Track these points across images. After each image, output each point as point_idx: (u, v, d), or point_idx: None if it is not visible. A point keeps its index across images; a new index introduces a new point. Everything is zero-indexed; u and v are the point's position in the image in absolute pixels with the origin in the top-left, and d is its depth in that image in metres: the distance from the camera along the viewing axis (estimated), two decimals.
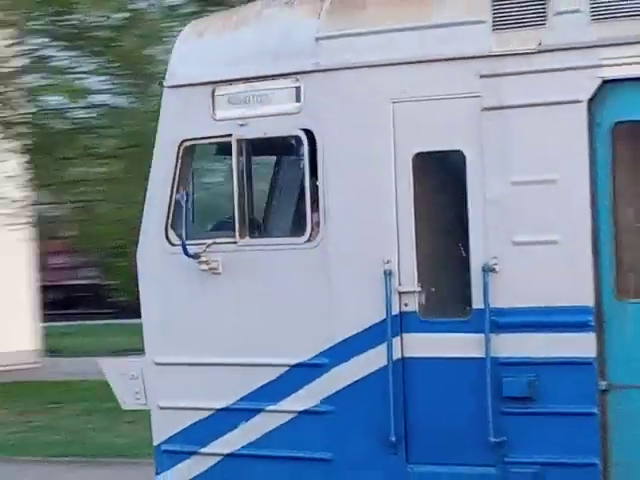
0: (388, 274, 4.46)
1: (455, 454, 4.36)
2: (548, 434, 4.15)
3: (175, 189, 5.28)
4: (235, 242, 4.97)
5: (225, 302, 5.12)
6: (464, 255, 4.37)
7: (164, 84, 5.47)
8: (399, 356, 4.50)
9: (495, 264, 4.18)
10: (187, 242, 5.05)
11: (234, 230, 4.99)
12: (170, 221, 5.25)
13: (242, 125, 4.89)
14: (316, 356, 4.73)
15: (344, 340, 4.64)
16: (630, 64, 3.88)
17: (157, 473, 5.54)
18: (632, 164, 4.12)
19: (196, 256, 5.04)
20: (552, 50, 4.07)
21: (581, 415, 4.04)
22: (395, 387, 4.51)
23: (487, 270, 4.18)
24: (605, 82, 3.97)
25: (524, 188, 4.14)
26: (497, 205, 4.21)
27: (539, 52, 4.08)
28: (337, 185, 4.67)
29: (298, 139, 4.77)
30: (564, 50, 4.05)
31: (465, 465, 4.33)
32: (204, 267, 4.98)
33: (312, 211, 4.78)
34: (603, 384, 4.01)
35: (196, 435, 5.21)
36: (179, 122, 5.29)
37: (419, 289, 4.45)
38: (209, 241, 5.08)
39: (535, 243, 4.13)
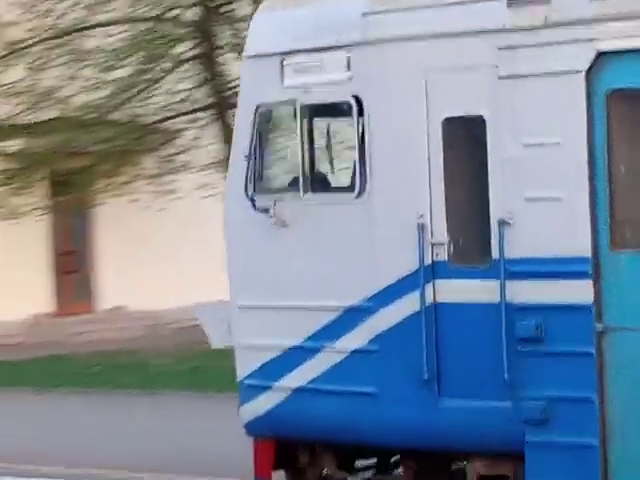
0: (421, 227, 6.34)
1: (478, 390, 6.15)
2: (553, 372, 5.88)
3: (253, 150, 7.29)
4: (300, 197, 7.08)
5: (292, 252, 7.26)
6: (485, 210, 6.10)
7: (243, 54, 7.48)
8: (431, 301, 6.38)
9: (510, 218, 5.91)
10: (260, 198, 7.11)
11: (299, 186, 7.11)
12: (247, 179, 7.29)
13: (305, 92, 6.96)
14: (365, 300, 6.70)
15: (387, 286, 6.61)
16: (622, 37, 5.39)
17: (240, 405, 7.79)
18: (624, 128, 5.57)
19: (265, 210, 7.02)
20: (556, 25, 5.66)
21: (580, 355, 5.70)
22: (427, 329, 6.45)
23: (503, 224, 5.92)
24: (600, 54, 5.51)
25: (533, 149, 5.82)
26: (511, 165, 5.91)
27: (545, 27, 5.70)
28: (380, 146, 6.63)
29: (349, 105, 6.70)
30: (566, 25, 5.63)
31: (486, 399, 6.09)
32: (274, 220, 7.07)
33: (361, 169, 6.75)
34: (599, 327, 5.60)
35: (271, 371, 7.41)
36: (255, 89, 7.54)
37: (448, 240, 6.30)
38: (278, 196, 7.09)
39: (542, 199, 5.80)
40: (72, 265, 28.34)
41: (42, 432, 14.41)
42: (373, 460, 7.96)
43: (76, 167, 24.53)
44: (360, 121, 6.63)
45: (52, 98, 23.83)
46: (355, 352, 6.75)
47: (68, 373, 20.91)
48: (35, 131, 24.99)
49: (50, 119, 24.25)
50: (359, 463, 8.00)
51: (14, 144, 25.62)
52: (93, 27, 23.63)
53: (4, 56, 24.20)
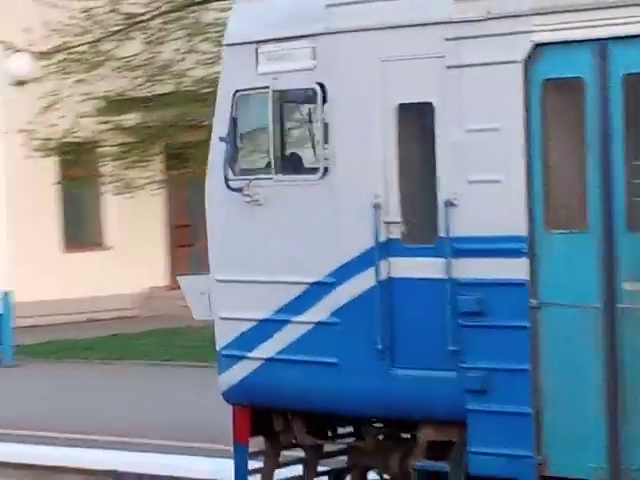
0: (377, 207, 6.77)
1: (426, 360, 6.58)
2: (492, 344, 6.29)
3: (229, 134, 7.77)
4: (271, 178, 7.55)
5: (264, 230, 7.75)
6: (434, 192, 6.51)
7: (223, 42, 7.96)
8: (385, 277, 6.82)
9: (455, 199, 6.33)
10: (235, 178, 7.62)
11: (270, 168, 7.59)
12: (225, 161, 7.80)
13: (275, 79, 7.41)
14: (327, 276, 7.17)
15: (346, 262, 7.06)
16: (556, 30, 5.77)
17: (219, 374, 8.30)
18: (558, 115, 5.97)
19: (240, 190, 7.50)
20: (496, 18, 6.05)
21: (516, 328, 6.10)
22: (382, 303, 6.91)
23: (448, 204, 6.34)
24: (536, 45, 5.90)
25: (475, 135, 6.22)
26: (456, 149, 6.33)
27: (487, 19, 6.09)
28: (341, 131, 7.06)
29: (314, 91, 7.11)
30: (505, 18, 6.03)
31: (433, 370, 6.53)
32: (247, 199, 7.59)
33: (324, 152, 7.17)
34: (534, 302, 6.01)
35: (245, 342, 7.91)
36: (233, 75, 8.02)
37: (401, 220, 6.72)
38: (251, 177, 7.57)
39: (483, 182, 6.21)
40: (187, 239, 28.73)
41: (156, 405, 14.68)
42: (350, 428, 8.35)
43: (191, 141, 24.74)
44: (324, 107, 7.04)
45: (169, 72, 24.70)
46: (318, 324, 7.18)
47: (183, 346, 21.42)
48: (151, 105, 25.73)
49: (166, 93, 25.09)
50: (342, 430, 8.37)
51: (130, 118, 26.40)
52: (211, 1, 24.21)
53: (121, 30, 24.70)
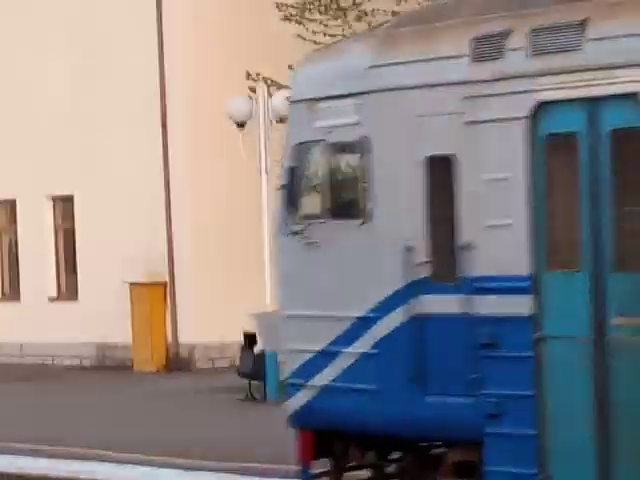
0: (408, 250, 7.56)
1: (451, 388, 7.32)
2: (504, 373, 6.93)
3: (290, 182, 8.77)
4: (324, 222, 8.50)
5: (319, 268, 8.71)
6: (456, 235, 7.30)
7: (289, 99, 9.00)
8: (415, 312, 7.52)
9: (473, 242, 7.05)
10: (295, 223, 8.83)
11: (324, 213, 8.56)
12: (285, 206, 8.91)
13: (329, 132, 8.49)
14: (369, 311, 8.00)
15: (384, 298, 7.90)
16: (557, 89, 6.48)
17: (285, 400, 9.39)
18: (557, 166, 6.65)
19: (298, 233, 8.42)
20: (506, 78, 6.82)
21: (523, 359, 6.73)
22: (412, 336, 7.65)
23: (467, 247, 7.05)
24: (540, 103, 6.61)
25: (489, 184, 6.99)
26: (473, 197, 7.10)
27: (498, 80, 6.88)
28: (381, 180, 7.96)
29: (360, 144, 8.06)
30: (513, 78, 6.78)
31: (457, 396, 7.24)
32: (305, 242, 8.66)
33: (366, 200, 8.07)
34: (537, 335, 6.66)
35: (306, 371, 8.88)
36: (295, 129, 9.24)
37: (428, 260, 7.49)
38: (308, 221, 8.64)
39: (496, 227, 6.92)
40: None
41: None
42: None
43: None
44: (368, 158, 7.95)
45: None
46: (363, 355, 8.01)
47: None
48: None
49: None
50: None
51: None
52: None
53: None
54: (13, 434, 17.00)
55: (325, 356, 8.62)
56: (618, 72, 6.14)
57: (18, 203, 31.15)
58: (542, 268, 6.67)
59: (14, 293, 31.88)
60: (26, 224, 30.85)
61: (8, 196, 31.24)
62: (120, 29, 27.91)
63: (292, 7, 25.29)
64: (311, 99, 8.66)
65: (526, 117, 6.66)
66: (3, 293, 32.72)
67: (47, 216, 30.79)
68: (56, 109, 29.01)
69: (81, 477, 14.60)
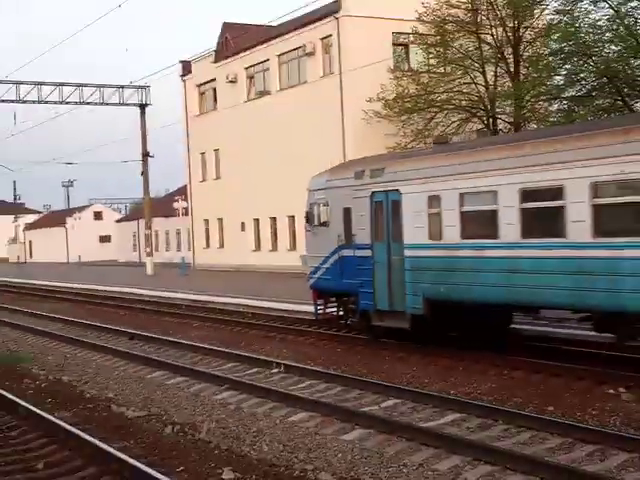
0: (338, 235, 22.03)
1: (351, 277, 21.62)
2: (364, 273, 21.50)
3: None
4: (317, 227, 23.06)
5: (317, 240, 23.64)
6: (352, 231, 21.80)
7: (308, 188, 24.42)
8: (340, 255, 22.24)
9: (356, 234, 21.71)
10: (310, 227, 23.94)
11: (317, 225, 23.20)
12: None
13: (318, 199, 23.14)
14: (330, 253, 22.55)
15: (333, 250, 22.31)
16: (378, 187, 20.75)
17: (308, 280, 24.69)
18: (378, 212, 20.73)
19: (310, 230, 23.85)
20: (364, 184, 21.10)
21: (370, 268, 21.27)
22: (339, 262, 22.34)
23: (354, 235, 21.70)
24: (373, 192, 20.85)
25: (360, 215, 21.10)
26: (357, 220, 21.33)
27: (360, 185, 21.27)
28: (331, 215, 22.22)
29: (325, 204, 22.50)
30: (367, 184, 21.00)
31: (353, 280, 21.62)
32: (312, 232, 23.70)
33: (328, 220, 22.65)
34: (373, 260, 21.20)
35: (313, 271, 23.58)
36: (310, 199, 23.99)
37: (344, 239, 22.08)
38: (312, 226, 23.61)
39: (362, 229, 21.39)
40: None
41: None
42: None
43: None
44: (329, 208, 22.12)
45: None
46: (327, 267, 22.26)
47: None
48: None
49: None
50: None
51: None
52: None
53: None
54: None
55: (319, 267, 23.31)
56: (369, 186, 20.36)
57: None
58: (374, 241, 20.51)
59: None
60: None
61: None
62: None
63: None
64: (313, 190, 23.58)
65: (368, 196, 20.67)
66: None
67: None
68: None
69: None
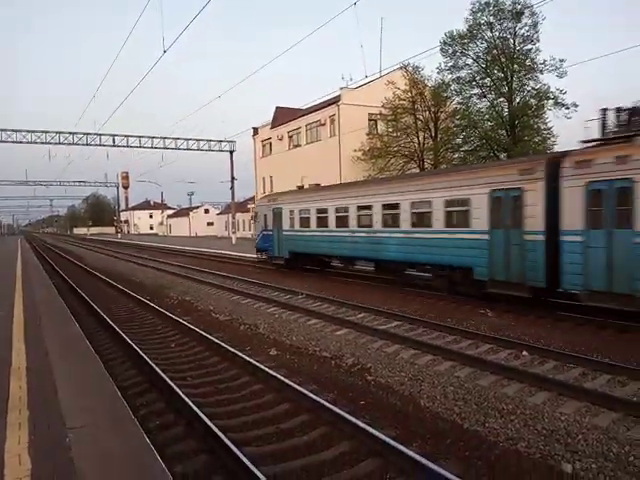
0: (265, 226, 51.01)
1: (278, 246, 46.82)
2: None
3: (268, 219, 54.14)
4: (271, 227, 47.08)
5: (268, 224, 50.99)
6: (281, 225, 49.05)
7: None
8: (266, 233, 47.84)
9: (287, 227, 50.81)
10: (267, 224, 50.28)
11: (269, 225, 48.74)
12: None
13: (270, 208, 51.62)
14: (270, 231, 46.73)
15: (271, 230, 47.20)
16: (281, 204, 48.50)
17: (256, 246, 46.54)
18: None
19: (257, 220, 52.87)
20: (276, 205, 45.71)
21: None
22: (270, 237, 48.31)
23: (285, 228, 49.60)
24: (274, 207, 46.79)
25: (293, 216, 46.78)
26: (289, 219, 46.64)
27: (274, 204, 49.66)
28: (279, 219, 47.69)
29: (273, 212, 46.29)
30: (278, 203, 44.62)
31: (279, 248, 47.61)
32: (259, 223, 50.43)
33: (280, 222, 47.44)
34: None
35: (260, 240, 46.79)
36: (259, 208, 52.10)
37: (271, 228, 51.23)
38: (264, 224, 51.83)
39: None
40: None
41: None
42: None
43: None
44: (279, 215, 48.90)
45: None
46: (270, 238, 45.19)
47: None
48: None
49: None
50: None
51: None
52: None
53: None
54: None
55: (257, 238, 47.10)
56: (272, 204, 43.18)
57: None
58: (273, 228, 42.99)
59: None
60: None
61: None
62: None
63: None
64: (259, 206, 46.43)
65: (274, 211, 42.87)
66: None
67: None
68: None
69: None
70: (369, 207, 29.78)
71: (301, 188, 48.86)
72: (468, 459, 8.34)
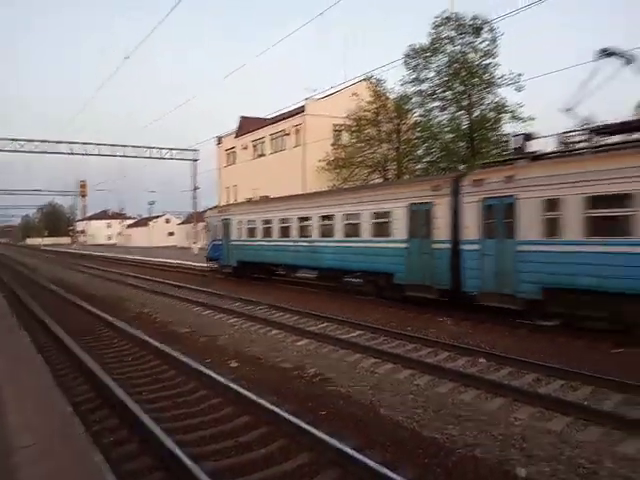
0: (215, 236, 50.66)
1: (225, 255, 46.02)
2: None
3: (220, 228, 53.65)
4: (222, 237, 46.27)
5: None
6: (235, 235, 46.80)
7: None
8: (216, 242, 46.00)
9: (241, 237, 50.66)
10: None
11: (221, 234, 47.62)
12: None
13: (221, 218, 46.02)
14: (219, 241, 46.51)
15: (220, 239, 46.37)
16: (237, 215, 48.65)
17: (206, 256, 48.23)
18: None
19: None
20: (224, 215, 45.96)
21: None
22: (219, 246, 47.03)
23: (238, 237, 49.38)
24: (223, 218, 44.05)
25: (240, 226, 44.26)
26: (238, 230, 45.27)
27: (224, 215, 47.90)
28: (233, 228, 46.93)
29: (223, 221, 45.94)
30: (222, 212, 46.98)
31: (228, 257, 47.15)
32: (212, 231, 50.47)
33: (229, 231, 46.05)
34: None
35: (210, 250, 47.02)
36: (210, 218, 51.68)
37: (221, 237, 49.75)
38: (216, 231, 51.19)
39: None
40: None
41: None
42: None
43: None
44: (228, 224, 46.40)
45: None
46: (219, 248, 45.12)
47: None
48: None
49: None
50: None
51: None
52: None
53: None
54: None
55: (208, 247, 47.39)
56: (221, 215, 44.21)
57: None
58: (223, 237, 44.08)
59: None
60: None
61: None
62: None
63: None
64: (206, 216, 47.79)
65: (223, 221, 43.27)
66: None
67: None
68: None
69: None
70: (309, 218, 32.78)
71: (250, 200, 50.28)
72: (427, 466, 8.49)
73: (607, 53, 19.86)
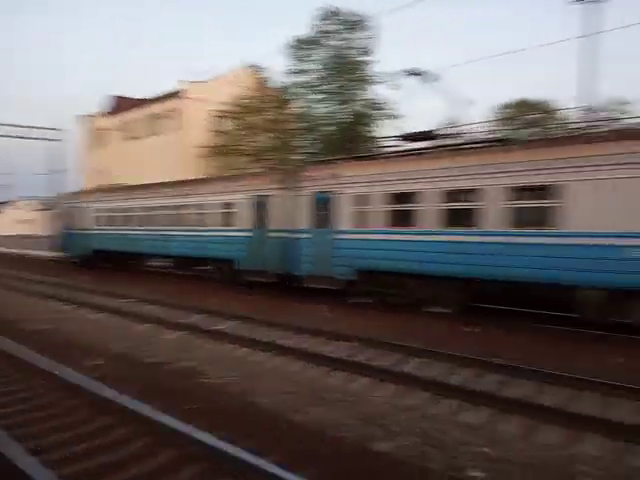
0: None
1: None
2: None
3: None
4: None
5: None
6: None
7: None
8: None
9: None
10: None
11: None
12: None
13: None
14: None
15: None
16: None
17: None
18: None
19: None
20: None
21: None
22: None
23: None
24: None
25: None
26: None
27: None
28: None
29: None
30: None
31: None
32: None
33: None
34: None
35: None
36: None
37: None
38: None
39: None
40: None
41: None
42: None
43: None
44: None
45: None
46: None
47: None
48: None
49: None
50: None
51: None
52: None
53: None
54: None
55: (54, 237, 44.51)
56: (72, 203, 41.74)
57: None
58: (69, 227, 41.23)
59: None
60: None
61: None
62: None
63: None
64: (59, 204, 44.94)
65: (75, 209, 41.12)
66: None
67: None
68: None
69: None
70: (162, 207, 34.87)
71: (103, 187, 49.76)
72: (295, 451, 8.74)
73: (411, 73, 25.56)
